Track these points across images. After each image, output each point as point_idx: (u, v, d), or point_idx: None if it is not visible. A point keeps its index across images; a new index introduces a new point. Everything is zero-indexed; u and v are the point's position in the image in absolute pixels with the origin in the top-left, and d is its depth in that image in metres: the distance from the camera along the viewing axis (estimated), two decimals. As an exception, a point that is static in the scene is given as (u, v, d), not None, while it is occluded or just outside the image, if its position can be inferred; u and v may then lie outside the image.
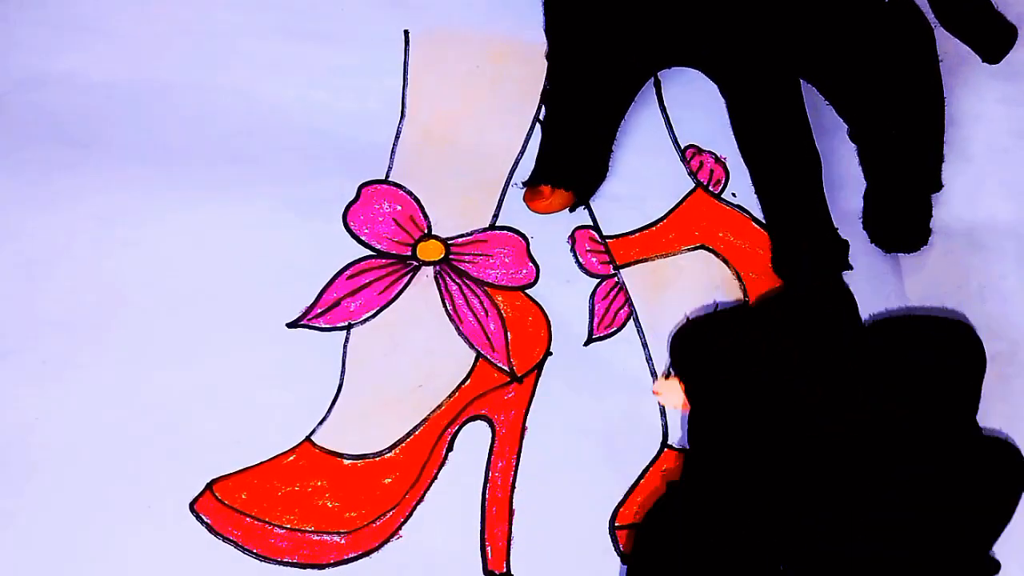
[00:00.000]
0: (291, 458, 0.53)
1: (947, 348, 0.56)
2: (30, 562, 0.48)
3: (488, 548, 0.52)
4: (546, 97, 0.67)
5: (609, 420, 0.57)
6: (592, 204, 0.66)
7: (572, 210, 0.65)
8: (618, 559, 0.53)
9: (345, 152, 0.63)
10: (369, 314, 0.58)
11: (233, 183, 0.60)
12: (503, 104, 0.67)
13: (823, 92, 0.66)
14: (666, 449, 0.57)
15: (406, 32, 0.67)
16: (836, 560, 0.49)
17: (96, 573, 0.48)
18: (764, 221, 0.66)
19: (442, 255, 0.61)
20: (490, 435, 0.56)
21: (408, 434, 0.55)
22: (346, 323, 0.57)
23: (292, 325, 0.57)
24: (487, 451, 0.55)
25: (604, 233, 0.65)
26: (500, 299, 0.60)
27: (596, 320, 0.61)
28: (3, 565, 0.47)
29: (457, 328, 0.59)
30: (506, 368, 0.58)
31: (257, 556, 0.50)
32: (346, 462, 0.53)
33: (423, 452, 0.54)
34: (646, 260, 0.64)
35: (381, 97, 0.65)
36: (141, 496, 0.50)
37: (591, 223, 0.65)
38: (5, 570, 0.47)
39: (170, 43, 0.63)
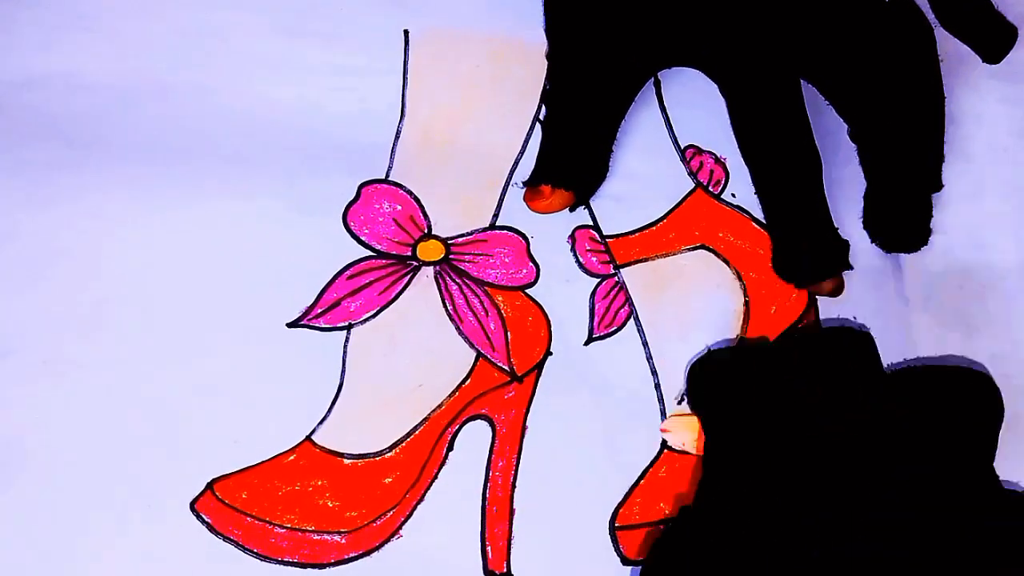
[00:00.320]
0: (291, 458, 0.53)
1: (966, 399, 0.56)
2: (29, 562, 0.48)
3: (488, 548, 0.52)
4: (546, 97, 0.67)
5: (609, 419, 0.57)
6: (592, 204, 0.65)
7: (572, 210, 0.65)
8: (618, 559, 0.53)
9: (345, 152, 0.63)
10: (369, 314, 0.58)
11: (233, 183, 0.60)
12: (503, 104, 0.67)
13: (823, 92, 0.66)
14: (666, 450, 0.57)
15: (406, 32, 0.67)
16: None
17: (95, 572, 0.48)
18: (764, 221, 0.66)
19: (442, 255, 0.61)
20: (490, 434, 0.56)
21: (408, 434, 0.55)
22: (346, 323, 0.57)
23: (292, 325, 0.57)
24: (487, 450, 0.55)
25: (604, 233, 0.65)
26: (500, 299, 0.60)
27: (596, 319, 0.61)
28: (2, 564, 0.47)
29: (457, 328, 0.59)
30: (506, 368, 0.58)
31: (257, 555, 0.50)
32: (346, 462, 0.53)
33: (423, 452, 0.54)
34: (646, 260, 0.64)
35: (381, 97, 0.65)
36: (141, 496, 0.50)
37: (591, 223, 0.65)
38: (4, 569, 0.47)
39: (170, 43, 0.63)
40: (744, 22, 0.64)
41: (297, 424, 0.54)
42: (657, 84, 0.71)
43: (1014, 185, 0.71)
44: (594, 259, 0.63)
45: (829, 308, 0.64)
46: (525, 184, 0.65)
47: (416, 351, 0.57)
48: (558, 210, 0.64)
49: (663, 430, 0.58)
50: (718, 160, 0.69)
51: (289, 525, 0.51)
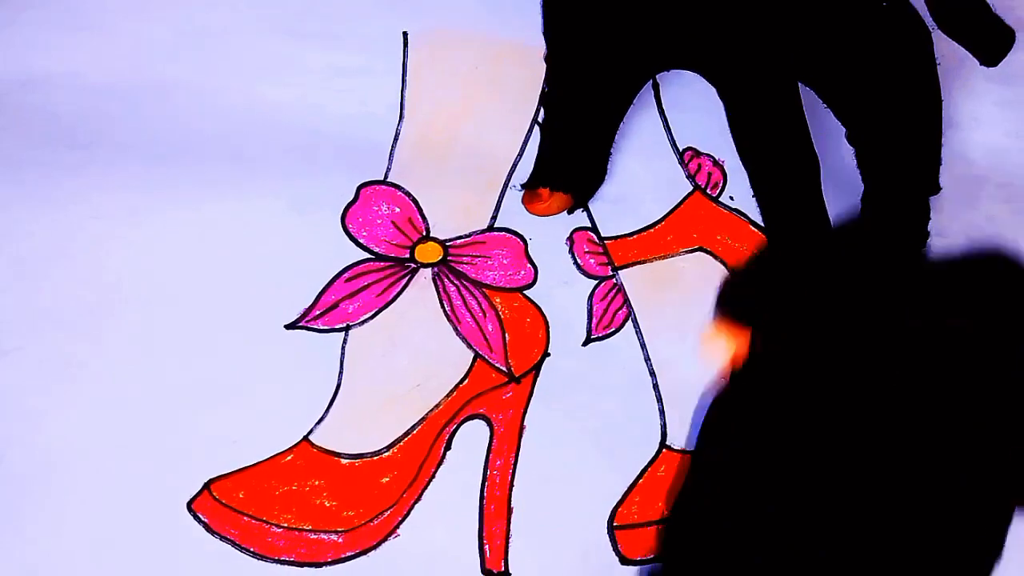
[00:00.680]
0: (289, 458, 0.53)
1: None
2: (28, 561, 0.47)
3: (486, 546, 0.52)
4: (545, 100, 0.67)
5: (607, 420, 0.57)
6: (590, 206, 0.66)
7: (571, 212, 0.65)
8: (616, 559, 0.53)
9: (344, 153, 0.63)
10: (367, 316, 0.58)
11: (232, 183, 0.60)
12: (502, 106, 0.67)
13: (821, 95, 0.66)
14: (665, 449, 0.57)
15: (405, 34, 0.68)
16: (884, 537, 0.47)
17: (94, 571, 0.48)
18: (762, 224, 0.66)
19: (440, 257, 0.61)
20: (488, 434, 0.55)
21: (406, 433, 0.54)
22: (344, 325, 0.57)
23: (290, 326, 0.57)
24: (485, 450, 0.55)
25: (602, 235, 0.65)
26: (498, 300, 0.60)
27: (594, 321, 0.61)
28: (2, 563, 0.47)
29: (455, 329, 0.59)
30: (504, 368, 0.58)
31: (254, 555, 0.50)
32: (344, 461, 0.53)
33: (421, 451, 0.54)
34: (644, 262, 0.64)
35: (380, 98, 0.65)
36: (139, 495, 0.50)
37: (589, 225, 0.65)
38: (4, 568, 0.47)
39: (170, 43, 0.64)
40: (742, 26, 0.64)
41: (295, 424, 0.54)
42: (655, 87, 0.71)
43: (1011, 188, 0.71)
44: (592, 261, 0.64)
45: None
46: (523, 187, 0.65)
47: (414, 352, 0.57)
48: (556, 213, 0.64)
49: (704, 344, 0.59)
50: (716, 163, 0.69)
51: (286, 524, 0.51)
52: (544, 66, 0.67)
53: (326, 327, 0.57)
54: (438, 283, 0.60)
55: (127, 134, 0.60)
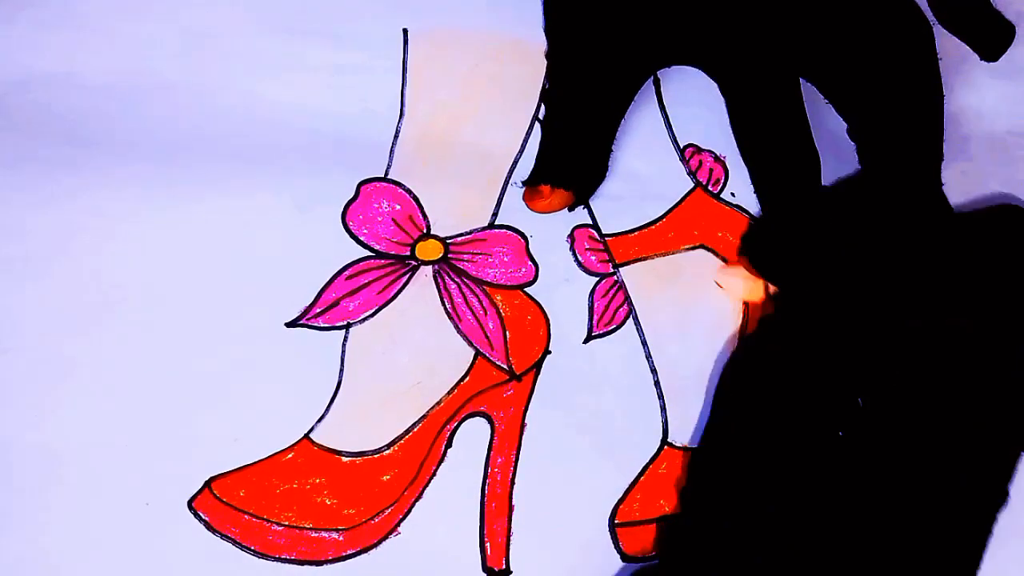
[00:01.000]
0: (290, 456, 0.53)
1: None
2: (27, 560, 0.47)
3: (487, 544, 0.52)
4: (545, 96, 0.67)
5: (608, 417, 0.57)
6: (591, 203, 0.66)
7: (571, 209, 0.65)
8: (617, 556, 0.53)
9: (344, 150, 0.63)
10: (368, 313, 0.58)
11: (232, 182, 0.60)
12: (502, 103, 0.67)
13: (822, 90, 0.66)
14: (666, 447, 0.57)
15: (405, 31, 0.68)
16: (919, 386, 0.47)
17: (93, 571, 0.48)
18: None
19: (441, 254, 0.61)
20: (489, 432, 0.55)
21: (407, 431, 0.54)
22: (345, 323, 0.57)
23: (291, 324, 0.57)
24: (486, 447, 0.55)
25: (603, 232, 0.65)
26: (499, 298, 0.60)
27: (595, 318, 0.61)
28: (2, 563, 0.47)
29: (456, 326, 0.59)
30: (505, 366, 0.58)
31: (255, 553, 0.50)
32: (344, 459, 0.53)
33: (422, 449, 0.54)
34: (645, 259, 0.64)
35: (380, 96, 0.65)
36: (139, 494, 0.50)
37: (590, 222, 0.65)
38: (4, 569, 0.47)
39: (169, 43, 0.64)
40: (743, 21, 0.64)
41: (295, 422, 0.54)
42: (656, 83, 0.71)
43: (1014, 183, 0.70)
44: (593, 258, 0.63)
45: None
46: (524, 184, 0.65)
47: (415, 350, 0.57)
48: (557, 210, 0.64)
49: (718, 283, 0.60)
50: (717, 159, 0.69)
51: (287, 523, 0.51)
52: (545, 63, 0.67)
53: (327, 325, 0.57)
54: (439, 280, 0.60)
55: (127, 133, 0.60)
